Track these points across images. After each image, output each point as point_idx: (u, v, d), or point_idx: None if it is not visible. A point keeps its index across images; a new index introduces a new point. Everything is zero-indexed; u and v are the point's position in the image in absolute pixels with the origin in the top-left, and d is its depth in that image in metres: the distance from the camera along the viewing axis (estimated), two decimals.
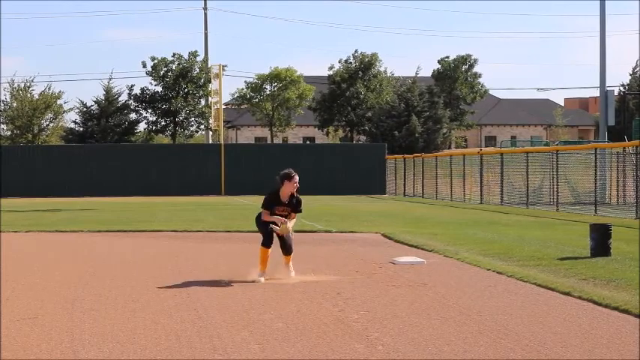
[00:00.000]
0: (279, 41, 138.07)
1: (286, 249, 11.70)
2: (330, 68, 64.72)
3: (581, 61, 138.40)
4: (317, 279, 11.43)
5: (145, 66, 54.20)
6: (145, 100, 54.73)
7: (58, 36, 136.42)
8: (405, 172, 44.66)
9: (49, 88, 57.62)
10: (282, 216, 11.59)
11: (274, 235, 11.56)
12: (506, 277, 11.43)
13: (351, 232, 19.10)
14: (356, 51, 64.69)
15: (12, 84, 56.88)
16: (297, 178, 11.62)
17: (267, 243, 11.52)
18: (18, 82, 57.20)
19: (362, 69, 63.94)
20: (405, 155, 46.36)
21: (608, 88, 36.71)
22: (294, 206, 11.73)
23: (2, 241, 17.36)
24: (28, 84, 57.12)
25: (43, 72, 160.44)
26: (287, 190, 11.63)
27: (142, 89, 55.26)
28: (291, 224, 11.64)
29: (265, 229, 11.58)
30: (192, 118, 54.74)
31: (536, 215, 25.35)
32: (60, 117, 58.59)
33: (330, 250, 15.45)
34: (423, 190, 41.46)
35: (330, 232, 19.43)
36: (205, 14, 60.80)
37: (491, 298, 9.83)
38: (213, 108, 52.00)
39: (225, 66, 56.31)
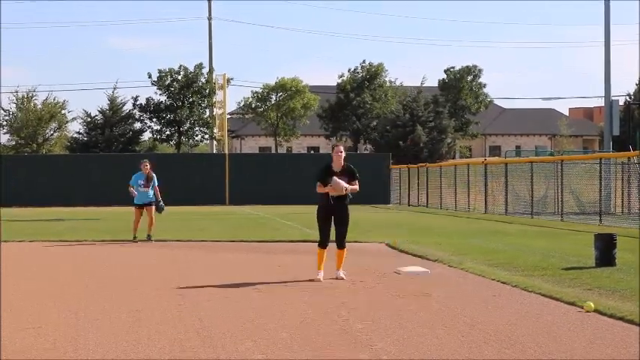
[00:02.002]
0: (285, 50, 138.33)
1: (340, 241, 12.58)
2: (340, 77, 65.31)
3: (585, 70, 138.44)
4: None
5: (150, 76, 54.30)
6: (150, 109, 54.79)
7: (60, 46, 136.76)
8: (409, 182, 44.63)
9: (53, 98, 57.81)
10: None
11: (330, 232, 12.52)
12: (510, 286, 11.41)
13: (355, 241, 19.08)
14: (364, 61, 65.31)
15: (16, 94, 57.07)
16: (341, 147, 12.53)
17: (323, 244, 12.47)
18: (22, 92, 57.44)
19: (368, 79, 64.20)
20: (410, 165, 46.35)
21: (612, 98, 36.69)
22: (350, 174, 12.49)
23: (6, 250, 17.39)
24: (32, 94, 57.30)
25: (46, 82, 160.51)
26: (336, 159, 12.45)
27: (147, 99, 55.35)
28: (343, 183, 12.30)
29: (324, 227, 12.48)
30: (197, 128, 54.77)
31: (541, 225, 25.31)
32: (64, 127, 58.70)
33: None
34: (427, 199, 41.42)
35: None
36: (210, 24, 60.88)
37: (496, 307, 9.81)
38: (217, 118, 52.03)
39: (231, 79, 56.39)
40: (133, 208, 20.80)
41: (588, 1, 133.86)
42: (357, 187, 12.48)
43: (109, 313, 9.58)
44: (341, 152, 12.43)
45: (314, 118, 65.77)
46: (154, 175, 20.62)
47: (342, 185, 12.27)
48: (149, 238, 19.89)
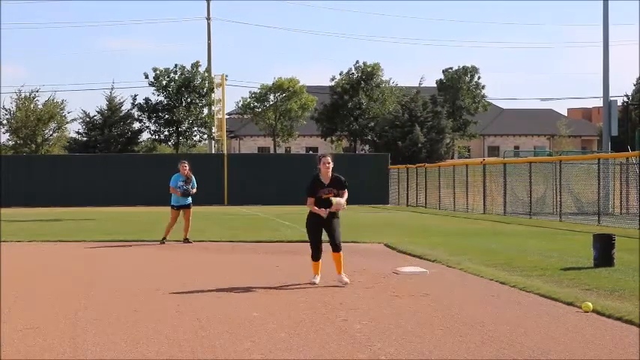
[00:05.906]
0: (283, 51, 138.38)
1: (335, 245, 11.99)
2: (332, 79, 65.11)
3: (584, 71, 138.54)
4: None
5: (147, 77, 54.25)
6: (149, 109, 54.75)
7: (58, 46, 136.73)
8: (407, 182, 44.63)
9: (52, 99, 57.73)
10: (328, 197, 11.91)
11: (322, 237, 12.06)
12: (509, 287, 11.41)
13: (354, 242, 19.08)
14: (357, 62, 64.94)
15: (18, 94, 57.01)
16: (328, 158, 11.96)
17: (316, 256, 12.04)
18: (24, 92, 57.37)
19: (363, 79, 64.05)
20: (408, 165, 46.34)
21: (611, 99, 36.66)
22: (339, 185, 12.01)
23: (5, 250, 17.38)
24: (33, 94, 57.25)
25: (45, 82, 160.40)
26: (324, 171, 11.96)
27: (146, 99, 55.34)
28: (343, 199, 11.96)
29: (314, 240, 12.03)
30: (195, 128, 54.78)
31: (540, 225, 25.31)
32: (63, 127, 58.64)
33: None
34: (425, 200, 41.41)
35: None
36: (209, 24, 60.90)
37: (494, 308, 9.81)
38: (216, 118, 51.96)
39: (227, 76, 56.36)
40: (169, 209, 20.30)
41: (587, 1, 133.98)
42: (346, 196, 12.02)
43: (107, 313, 9.57)
44: (329, 164, 11.84)
45: (312, 119, 65.73)
46: (192, 176, 19.99)
47: (342, 203, 11.89)
48: (187, 240, 19.46)
